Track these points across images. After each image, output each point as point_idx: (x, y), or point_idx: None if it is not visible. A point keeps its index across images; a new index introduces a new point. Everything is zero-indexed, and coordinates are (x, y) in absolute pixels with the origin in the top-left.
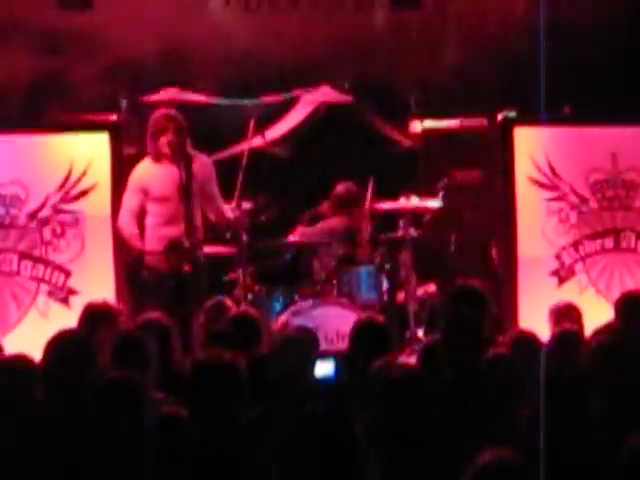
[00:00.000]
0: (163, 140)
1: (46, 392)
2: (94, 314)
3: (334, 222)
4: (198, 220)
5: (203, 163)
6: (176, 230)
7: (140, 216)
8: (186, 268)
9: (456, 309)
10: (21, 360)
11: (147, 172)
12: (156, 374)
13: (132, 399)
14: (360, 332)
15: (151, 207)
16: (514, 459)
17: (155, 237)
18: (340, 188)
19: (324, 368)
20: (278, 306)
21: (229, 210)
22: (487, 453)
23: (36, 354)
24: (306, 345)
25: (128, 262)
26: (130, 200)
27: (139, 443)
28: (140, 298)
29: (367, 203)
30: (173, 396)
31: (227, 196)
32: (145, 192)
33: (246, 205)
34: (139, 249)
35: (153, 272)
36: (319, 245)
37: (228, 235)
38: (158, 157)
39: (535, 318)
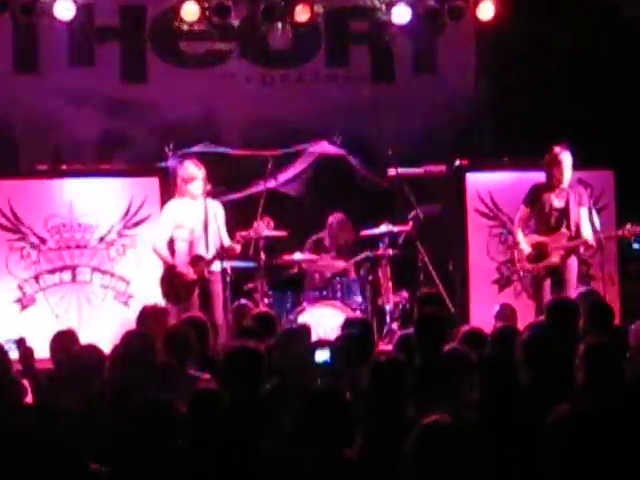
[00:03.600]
0: (195, 186)
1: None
2: (148, 313)
3: (333, 262)
4: (215, 243)
5: (216, 207)
6: (197, 249)
7: (170, 240)
8: (207, 274)
9: (423, 310)
10: (93, 348)
11: (177, 208)
12: (196, 358)
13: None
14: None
15: (179, 233)
16: (449, 421)
17: (182, 255)
18: (331, 218)
19: (322, 355)
20: (288, 307)
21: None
22: (429, 417)
23: (103, 342)
24: (302, 335)
25: (163, 273)
26: (164, 229)
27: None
28: (175, 298)
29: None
30: (208, 374)
31: (249, 226)
32: (176, 224)
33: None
34: (171, 263)
35: (183, 279)
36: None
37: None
38: (184, 196)
39: (482, 316)
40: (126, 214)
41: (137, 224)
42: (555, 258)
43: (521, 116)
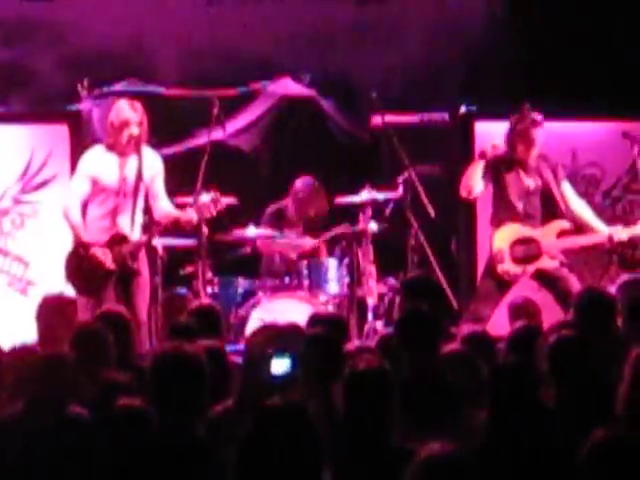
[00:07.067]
0: (126, 132)
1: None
2: (50, 306)
3: (298, 240)
4: (141, 216)
5: (152, 159)
6: (119, 223)
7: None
8: (130, 263)
9: (409, 302)
10: None
11: (99, 161)
12: (114, 366)
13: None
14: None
15: (97, 197)
16: (458, 453)
17: (97, 228)
18: (299, 184)
19: (281, 365)
20: (237, 298)
21: (173, 209)
22: (429, 447)
23: None
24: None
25: (71, 252)
26: (79, 186)
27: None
28: (83, 289)
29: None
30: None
31: (189, 189)
32: (94, 181)
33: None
34: (83, 241)
35: (96, 266)
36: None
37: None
38: (114, 147)
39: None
40: (25, 173)
41: (39, 187)
42: (550, 262)
43: (553, 48)
